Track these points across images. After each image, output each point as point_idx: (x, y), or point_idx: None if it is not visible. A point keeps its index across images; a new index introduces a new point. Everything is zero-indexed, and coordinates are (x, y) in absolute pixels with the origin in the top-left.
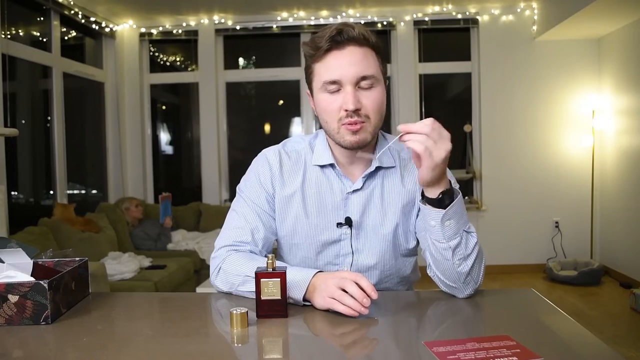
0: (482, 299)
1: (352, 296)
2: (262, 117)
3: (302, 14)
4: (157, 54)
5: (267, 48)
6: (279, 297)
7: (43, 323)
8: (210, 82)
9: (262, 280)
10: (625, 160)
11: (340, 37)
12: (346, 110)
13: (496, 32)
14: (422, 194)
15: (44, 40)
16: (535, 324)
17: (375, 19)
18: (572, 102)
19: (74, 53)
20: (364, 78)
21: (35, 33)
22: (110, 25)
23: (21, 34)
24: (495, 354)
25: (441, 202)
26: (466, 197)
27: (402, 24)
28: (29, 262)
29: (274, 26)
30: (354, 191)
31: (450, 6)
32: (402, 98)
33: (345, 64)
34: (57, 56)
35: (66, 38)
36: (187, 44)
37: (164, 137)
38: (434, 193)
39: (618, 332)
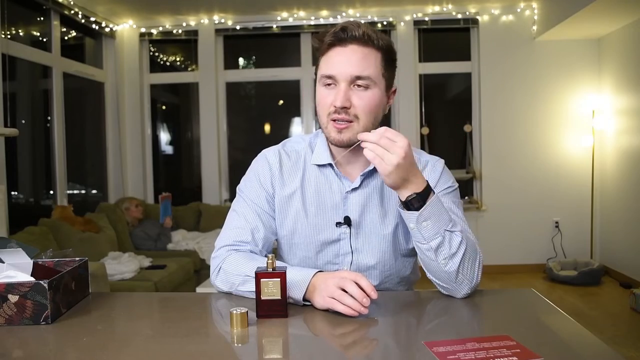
0: (482, 299)
1: (352, 296)
2: (262, 117)
3: (302, 14)
4: (157, 54)
5: (267, 48)
6: (279, 297)
7: (43, 323)
8: (210, 82)
9: (262, 280)
10: (625, 160)
11: (344, 34)
12: (335, 107)
13: (496, 32)
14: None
15: (44, 40)
16: (535, 324)
17: (375, 19)
18: (572, 102)
19: (74, 53)
20: (359, 78)
21: (35, 33)
22: (110, 25)
23: (21, 34)
24: (495, 354)
25: (410, 205)
26: (466, 197)
27: (402, 24)
28: (29, 262)
29: (274, 26)
30: (353, 190)
31: (450, 6)
32: (402, 98)
33: (343, 61)
34: (57, 56)
35: (66, 38)
36: (187, 44)
37: (164, 137)
38: (402, 196)
39: (618, 332)
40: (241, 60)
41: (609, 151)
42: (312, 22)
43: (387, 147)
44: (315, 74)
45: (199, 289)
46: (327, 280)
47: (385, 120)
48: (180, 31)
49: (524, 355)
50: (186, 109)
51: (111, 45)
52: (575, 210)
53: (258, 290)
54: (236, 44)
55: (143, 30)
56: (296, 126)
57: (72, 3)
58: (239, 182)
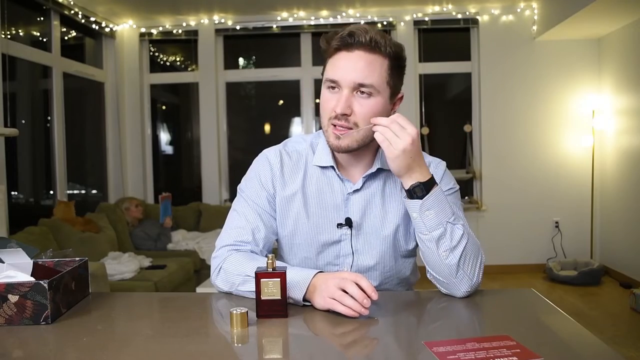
0: (482, 299)
1: (352, 297)
2: (262, 117)
3: (302, 14)
4: (157, 54)
5: (267, 48)
6: (279, 297)
7: (43, 323)
8: (210, 82)
9: (262, 280)
10: (625, 160)
11: (350, 40)
12: (336, 112)
13: (496, 32)
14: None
15: (44, 40)
16: (535, 324)
17: (375, 19)
18: (572, 102)
19: (74, 53)
20: (362, 85)
21: (35, 33)
22: (110, 25)
23: (21, 34)
24: (495, 354)
25: (414, 193)
26: (466, 197)
27: (402, 24)
28: (29, 262)
29: (274, 26)
30: (354, 192)
31: (450, 6)
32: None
33: (348, 67)
34: (57, 56)
35: (66, 38)
36: (187, 44)
37: (164, 137)
38: (406, 184)
39: (618, 332)
40: (241, 60)
41: (609, 151)
42: (312, 22)
43: (397, 132)
44: (322, 74)
45: (199, 289)
46: (327, 280)
47: None
48: (180, 31)
49: (524, 355)
50: (186, 109)
51: (111, 45)
52: (575, 210)
53: (258, 290)
54: (236, 44)
55: (143, 30)
56: (296, 126)
57: (72, 3)
58: (239, 182)
